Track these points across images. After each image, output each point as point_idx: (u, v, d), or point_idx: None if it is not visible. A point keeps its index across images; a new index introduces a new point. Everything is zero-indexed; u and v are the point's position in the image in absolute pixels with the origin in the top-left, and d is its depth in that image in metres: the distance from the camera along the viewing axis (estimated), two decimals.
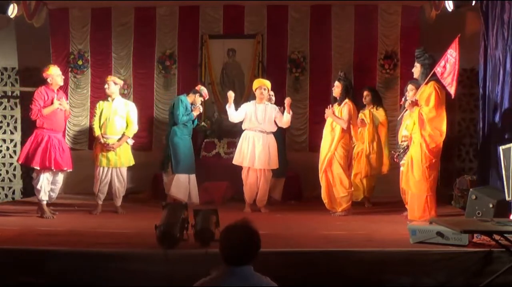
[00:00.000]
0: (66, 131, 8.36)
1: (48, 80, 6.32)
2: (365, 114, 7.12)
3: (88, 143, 8.38)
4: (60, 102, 6.35)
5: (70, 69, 8.60)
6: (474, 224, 4.46)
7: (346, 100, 6.51)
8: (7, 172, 8.87)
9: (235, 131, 7.54)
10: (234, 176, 7.08)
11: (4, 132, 8.86)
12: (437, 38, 7.33)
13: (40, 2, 8.22)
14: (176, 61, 8.68)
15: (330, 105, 6.62)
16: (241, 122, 6.90)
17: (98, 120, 6.59)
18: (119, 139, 6.61)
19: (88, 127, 8.49)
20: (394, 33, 8.53)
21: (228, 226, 2.68)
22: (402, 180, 6.32)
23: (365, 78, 8.28)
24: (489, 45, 6.67)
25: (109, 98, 6.67)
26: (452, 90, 5.73)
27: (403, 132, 6.34)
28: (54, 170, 6.27)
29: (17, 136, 8.86)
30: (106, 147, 6.52)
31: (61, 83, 6.55)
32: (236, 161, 6.87)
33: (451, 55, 5.75)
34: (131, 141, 6.76)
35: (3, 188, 8.88)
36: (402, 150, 6.31)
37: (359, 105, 6.94)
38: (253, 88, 6.97)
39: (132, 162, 6.81)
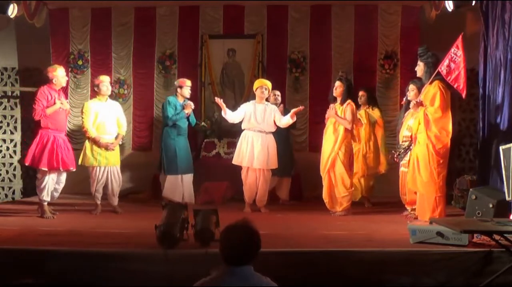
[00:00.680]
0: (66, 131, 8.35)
1: (54, 80, 6.31)
2: (360, 115, 7.11)
3: None
4: (61, 102, 6.35)
5: (70, 69, 8.60)
6: (474, 224, 4.45)
7: (349, 100, 6.51)
8: (7, 172, 8.87)
9: (235, 131, 7.54)
10: (234, 176, 7.08)
11: (4, 132, 8.86)
12: (437, 38, 7.34)
13: (40, 2, 8.22)
14: (176, 61, 8.68)
15: (332, 105, 6.61)
16: (240, 122, 6.90)
17: (93, 121, 6.55)
18: (116, 138, 6.69)
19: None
20: (394, 33, 8.53)
21: (228, 226, 2.69)
22: (401, 180, 6.32)
23: (365, 78, 8.28)
24: (489, 45, 6.66)
25: (103, 98, 6.66)
26: (463, 92, 5.69)
27: (404, 132, 6.33)
28: (62, 170, 6.27)
29: (17, 136, 8.86)
30: (108, 147, 6.54)
31: (64, 85, 6.59)
32: (235, 161, 6.87)
33: (456, 54, 5.70)
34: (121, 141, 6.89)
35: (3, 188, 8.88)
36: (402, 150, 6.30)
37: (357, 105, 6.95)
38: (254, 88, 6.98)
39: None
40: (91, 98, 8.49)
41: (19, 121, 8.85)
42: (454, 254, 4.32)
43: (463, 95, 5.77)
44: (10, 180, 8.89)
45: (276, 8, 8.62)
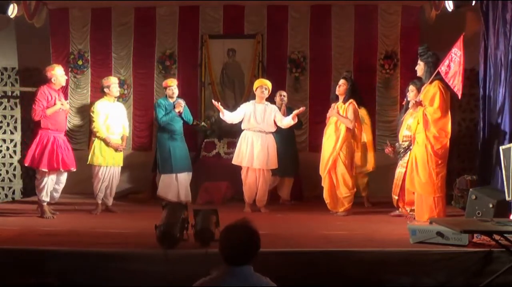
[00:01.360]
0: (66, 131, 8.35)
1: (52, 80, 6.31)
2: (362, 115, 7.06)
3: (88, 143, 8.37)
4: (62, 102, 6.36)
5: (70, 69, 8.59)
6: (474, 224, 4.46)
7: (351, 99, 6.49)
8: (7, 172, 8.87)
9: (235, 131, 7.54)
10: (234, 176, 7.08)
11: (4, 132, 8.86)
12: (437, 38, 7.33)
13: (40, 2, 8.22)
14: (176, 61, 8.68)
15: (335, 105, 6.60)
16: (240, 122, 6.90)
17: (103, 122, 6.59)
18: (122, 139, 6.80)
19: (88, 127, 8.48)
20: (394, 33, 8.52)
21: (228, 226, 2.69)
22: (396, 180, 6.30)
23: (365, 78, 8.28)
24: (490, 45, 6.66)
25: (112, 99, 6.70)
26: (459, 92, 5.69)
27: (404, 132, 6.33)
28: (62, 170, 6.27)
29: (17, 136, 8.85)
30: (118, 149, 6.64)
31: (64, 84, 6.60)
32: (235, 161, 6.88)
33: (456, 54, 5.70)
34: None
35: (3, 188, 8.88)
36: (402, 150, 6.30)
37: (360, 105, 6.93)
38: (254, 88, 6.98)
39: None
40: (91, 99, 8.55)
41: (19, 121, 8.85)
42: (454, 254, 4.32)
43: (459, 96, 5.77)
44: (10, 180, 8.89)
45: (276, 8, 8.62)
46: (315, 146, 7.78)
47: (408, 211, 6.26)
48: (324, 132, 6.65)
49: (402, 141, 6.34)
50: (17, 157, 8.85)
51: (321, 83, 8.45)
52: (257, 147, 6.71)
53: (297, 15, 8.63)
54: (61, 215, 6.36)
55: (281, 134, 7.10)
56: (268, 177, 6.87)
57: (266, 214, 6.73)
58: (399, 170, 6.31)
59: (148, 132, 8.72)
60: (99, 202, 6.63)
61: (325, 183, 6.55)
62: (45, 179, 6.19)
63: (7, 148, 8.86)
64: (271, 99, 7.25)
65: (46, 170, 6.15)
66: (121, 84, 8.62)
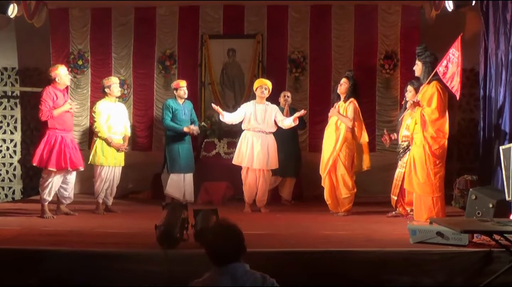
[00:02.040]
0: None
1: (56, 79, 6.29)
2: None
3: (88, 143, 8.39)
4: (70, 103, 6.37)
5: (70, 69, 8.57)
6: (474, 224, 4.45)
7: (352, 98, 6.49)
8: (7, 172, 8.88)
9: (235, 131, 7.55)
10: (234, 176, 7.09)
11: (4, 132, 8.87)
12: (437, 38, 7.33)
13: (40, 2, 8.22)
14: (176, 61, 8.69)
15: (336, 104, 6.60)
16: (241, 122, 6.90)
17: (105, 122, 6.59)
18: (123, 140, 6.80)
19: (88, 127, 8.49)
20: (394, 33, 8.53)
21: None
22: (396, 180, 6.30)
23: (365, 78, 8.28)
24: (490, 45, 6.66)
25: (113, 99, 6.71)
26: (457, 93, 5.68)
27: (403, 132, 6.32)
28: (71, 170, 6.28)
29: (17, 136, 8.86)
30: (120, 149, 6.64)
31: (68, 83, 6.58)
32: (235, 161, 6.87)
33: (453, 55, 5.68)
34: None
35: (3, 188, 8.89)
36: (402, 150, 6.30)
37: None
38: (254, 88, 6.97)
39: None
40: (91, 99, 8.55)
41: (19, 121, 8.86)
42: (454, 254, 4.31)
43: (457, 97, 5.76)
44: (10, 180, 8.89)
45: (276, 8, 8.62)
46: (315, 146, 7.78)
47: (409, 211, 6.26)
48: (325, 130, 6.64)
49: (401, 141, 6.34)
50: (17, 157, 8.86)
51: (321, 83, 8.46)
52: (257, 147, 6.71)
53: (297, 15, 8.64)
54: (61, 215, 6.36)
55: (284, 135, 7.10)
56: (268, 177, 6.86)
57: (266, 214, 6.73)
58: (399, 171, 6.31)
59: (148, 132, 8.73)
60: (100, 201, 6.63)
61: (325, 184, 6.54)
62: (51, 179, 6.18)
63: (7, 148, 8.87)
64: (275, 99, 7.24)
65: (55, 169, 6.15)
66: (121, 84, 8.60)
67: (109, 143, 6.57)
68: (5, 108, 8.87)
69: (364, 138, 6.56)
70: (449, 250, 4.36)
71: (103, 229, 5.41)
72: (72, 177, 6.42)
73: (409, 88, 6.38)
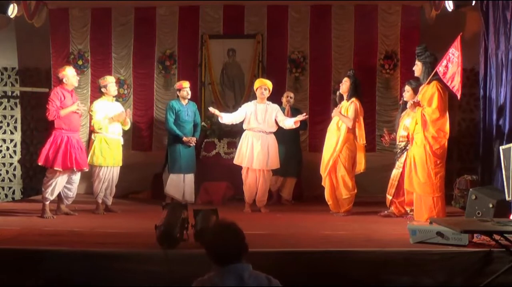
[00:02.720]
0: None
1: (64, 80, 6.30)
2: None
3: (88, 143, 8.38)
4: (78, 104, 6.37)
5: None
6: (474, 224, 4.45)
7: (353, 98, 6.46)
8: (7, 172, 8.88)
9: (235, 131, 7.55)
10: (234, 176, 7.09)
11: (4, 132, 8.87)
12: (437, 38, 7.33)
13: (40, 2, 8.22)
14: (176, 61, 8.69)
15: (338, 104, 6.59)
16: (241, 122, 6.90)
17: (102, 119, 6.58)
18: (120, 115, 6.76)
19: (88, 127, 8.48)
20: (394, 33, 8.53)
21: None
22: (392, 180, 6.30)
23: (365, 78, 8.26)
24: (490, 45, 6.66)
25: (110, 99, 6.70)
26: (458, 93, 5.68)
27: (401, 132, 6.32)
28: (76, 170, 6.28)
29: (17, 136, 8.86)
30: (122, 117, 6.64)
31: (76, 84, 6.56)
32: (236, 161, 6.88)
33: (453, 54, 5.68)
34: (122, 140, 6.90)
35: (3, 188, 8.89)
36: (399, 150, 6.30)
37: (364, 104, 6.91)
38: (254, 88, 6.97)
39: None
40: (91, 99, 8.53)
41: (19, 121, 8.86)
42: (454, 254, 4.31)
43: (458, 96, 5.76)
44: (10, 180, 8.90)
45: (276, 8, 8.62)
46: (315, 146, 7.79)
47: (408, 211, 6.26)
48: (327, 129, 6.62)
49: (399, 142, 6.34)
50: (17, 157, 8.86)
51: (321, 83, 8.46)
52: (257, 147, 6.71)
53: (297, 15, 8.63)
54: (61, 215, 6.36)
55: (285, 135, 7.10)
56: (268, 177, 6.86)
57: (266, 214, 6.73)
58: (395, 171, 6.32)
59: (148, 132, 8.73)
60: (100, 201, 6.63)
61: (326, 184, 6.53)
62: (55, 178, 6.19)
63: (7, 148, 8.87)
64: (275, 99, 7.24)
65: (61, 169, 6.15)
66: (121, 84, 8.64)
67: (110, 122, 6.53)
68: (5, 108, 8.87)
69: (362, 140, 6.55)
70: (449, 250, 4.36)
71: (103, 229, 5.41)
72: (77, 178, 6.43)
73: (407, 88, 6.38)
